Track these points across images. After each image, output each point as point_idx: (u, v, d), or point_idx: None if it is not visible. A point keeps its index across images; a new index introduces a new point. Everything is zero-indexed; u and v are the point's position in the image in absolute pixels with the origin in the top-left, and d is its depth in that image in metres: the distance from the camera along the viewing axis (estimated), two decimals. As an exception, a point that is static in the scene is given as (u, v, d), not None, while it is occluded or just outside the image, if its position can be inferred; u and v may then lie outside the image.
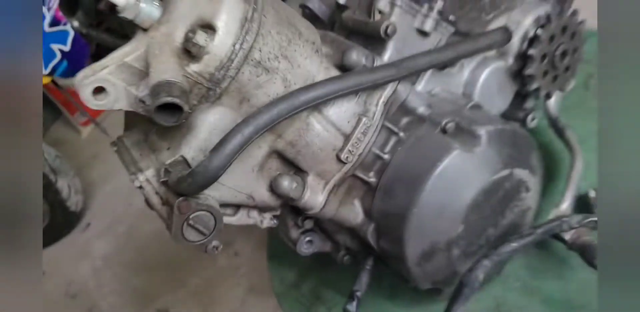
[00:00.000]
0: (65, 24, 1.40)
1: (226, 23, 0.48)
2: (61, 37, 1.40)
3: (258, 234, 1.53)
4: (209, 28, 0.48)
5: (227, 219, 0.53)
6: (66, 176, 1.65)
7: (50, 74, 1.42)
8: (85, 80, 0.48)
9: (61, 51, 1.40)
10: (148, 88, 0.47)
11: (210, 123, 0.50)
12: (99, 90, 0.49)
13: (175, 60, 0.47)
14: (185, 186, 0.46)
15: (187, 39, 0.47)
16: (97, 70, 0.49)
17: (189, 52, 0.48)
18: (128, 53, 0.49)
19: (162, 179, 0.48)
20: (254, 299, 1.39)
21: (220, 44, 0.48)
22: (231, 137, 0.46)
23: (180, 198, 0.47)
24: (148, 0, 0.49)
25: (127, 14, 0.49)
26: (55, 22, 1.37)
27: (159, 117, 0.44)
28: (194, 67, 0.48)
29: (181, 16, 0.48)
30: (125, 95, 0.49)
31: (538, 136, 0.81)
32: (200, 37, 0.47)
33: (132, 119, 0.59)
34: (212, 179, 0.46)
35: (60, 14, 1.40)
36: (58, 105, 2.29)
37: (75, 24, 1.72)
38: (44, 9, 1.38)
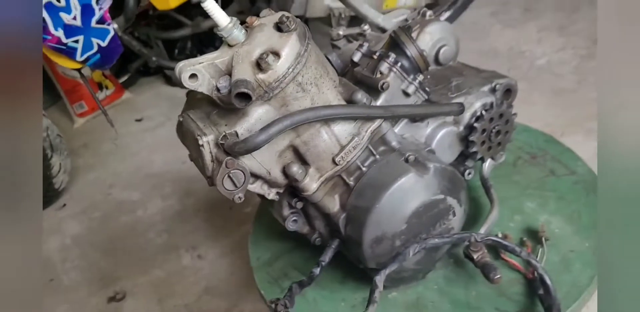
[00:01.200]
0: (108, 24, 1.62)
1: (287, 54, 0.70)
2: (102, 34, 1.62)
3: (224, 243, 1.68)
4: (275, 54, 0.70)
5: (248, 186, 0.74)
6: (61, 154, 1.76)
7: (84, 62, 1.61)
8: (186, 68, 0.70)
9: (98, 45, 1.62)
10: (227, 82, 0.70)
11: (259, 114, 0.72)
12: (192, 76, 0.71)
13: (250, 69, 0.70)
14: (236, 148, 0.68)
15: (261, 58, 0.69)
16: (194, 63, 0.71)
17: (260, 66, 0.69)
18: (217, 57, 0.72)
19: (221, 142, 0.70)
20: (209, 298, 1.51)
21: (280, 65, 0.70)
22: (275, 124, 0.69)
23: (229, 157, 0.68)
24: (239, 28, 0.73)
25: (224, 33, 0.73)
26: (101, 20, 1.59)
27: (236, 101, 0.67)
28: (260, 76, 0.69)
29: (260, 43, 0.72)
30: (207, 84, 0.71)
31: (471, 191, 1.08)
32: (270, 59, 0.69)
33: (193, 103, 0.81)
34: (256, 147, 0.68)
35: (107, 15, 1.62)
36: (60, 92, 2.40)
37: (115, 26, 1.98)
38: (96, 7, 1.58)
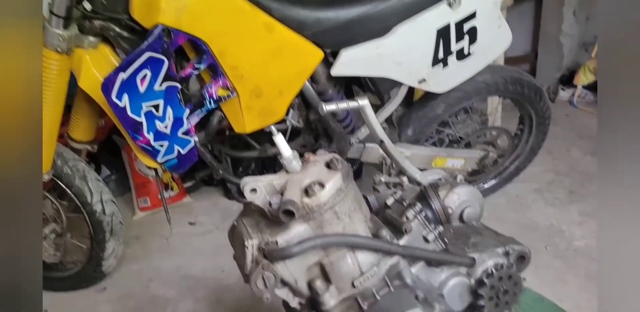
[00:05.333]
0: (191, 136, 1.86)
1: (331, 187, 0.84)
2: (184, 143, 1.85)
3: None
4: (321, 185, 0.85)
5: (276, 290, 0.87)
6: (117, 240, 1.90)
7: (162, 163, 1.83)
8: (250, 183, 0.85)
9: (178, 152, 1.85)
10: (279, 199, 0.87)
11: (298, 230, 0.86)
12: (253, 190, 0.85)
13: (299, 193, 0.84)
14: (274, 254, 0.83)
15: (310, 186, 0.84)
16: (257, 180, 0.86)
17: (307, 192, 0.84)
18: (275, 179, 0.87)
19: (262, 247, 0.85)
20: None
21: (324, 195, 0.84)
22: (309, 240, 0.84)
23: (266, 261, 0.84)
24: (297, 160, 0.89)
25: (285, 162, 0.88)
26: (186, 132, 1.84)
27: (282, 216, 0.84)
28: (306, 200, 0.84)
29: (311, 174, 0.87)
30: (263, 198, 0.86)
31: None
32: (316, 188, 0.84)
33: (247, 212, 0.97)
34: (290, 256, 0.83)
35: (193, 128, 1.86)
36: (131, 186, 2.67)
37: (196, 138, 2.33)
38: (185, 121, 1.79)
